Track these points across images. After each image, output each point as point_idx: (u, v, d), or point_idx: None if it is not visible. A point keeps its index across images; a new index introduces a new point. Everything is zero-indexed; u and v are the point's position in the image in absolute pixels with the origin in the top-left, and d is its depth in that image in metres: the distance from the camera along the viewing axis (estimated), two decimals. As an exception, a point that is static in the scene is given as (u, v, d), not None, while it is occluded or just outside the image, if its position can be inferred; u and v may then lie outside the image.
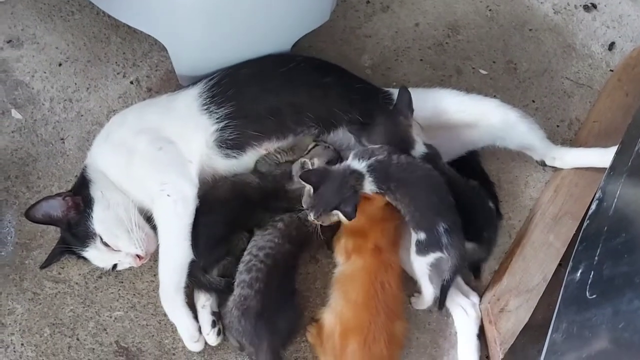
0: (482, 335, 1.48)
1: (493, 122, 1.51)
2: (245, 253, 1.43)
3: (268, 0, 1.44)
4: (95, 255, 1.39)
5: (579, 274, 1.15)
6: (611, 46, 1.86)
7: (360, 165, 1.37)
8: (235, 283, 1.39)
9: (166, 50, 1.67)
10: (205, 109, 1.46)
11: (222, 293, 1.46)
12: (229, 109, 1.44)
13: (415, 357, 1.48)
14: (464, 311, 1.48)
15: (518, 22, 1.87)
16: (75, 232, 1.39)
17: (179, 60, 1.55)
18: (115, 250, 1.38)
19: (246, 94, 1.46)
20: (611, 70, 1.83)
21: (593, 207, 1.25)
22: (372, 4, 1.85)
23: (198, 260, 1.41)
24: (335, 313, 1.37)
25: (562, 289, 1.17)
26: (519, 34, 1.86)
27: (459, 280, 1.52)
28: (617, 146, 1.44)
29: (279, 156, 1.50)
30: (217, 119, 1.45)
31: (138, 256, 1.39)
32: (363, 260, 1.38)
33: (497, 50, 1.83)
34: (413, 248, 1.39)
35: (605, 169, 1.52)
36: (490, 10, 1.88)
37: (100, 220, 1.38)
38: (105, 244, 1.37)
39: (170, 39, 1.50)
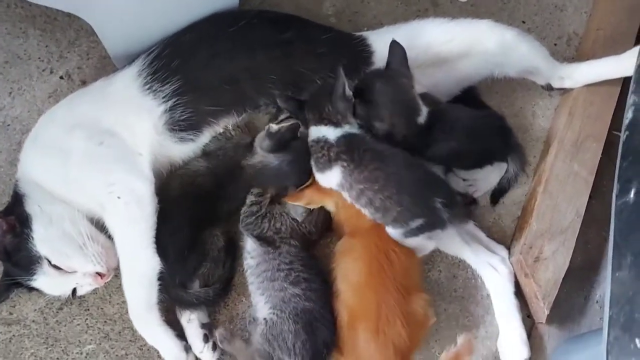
0: (518, 292, 1.28)
1: (489, 47, 1.30)
2: (269, 269, 1.21)
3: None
4: (47, 282, 1.17)
5: (632, 194, 0.94)
6: (597, -53, 1.65)
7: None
8: (281, 298, 1.18)
9: (96, 34, 1.43)
10: (148, 88, 1.23)
11: (213, 304, 1.26)
12: (176, 84, 1.23)
13: (446, 332, 1.28)
14: (494, 269, 1.28)
15: (491, -62, 1.65)
16: (16, 260, 1.17)
17: (109, 37, 1.31)
18: (70, 272, 1.16)
19: (194, 64, 1.24)
20: (602, -26, 1.62)
21: (629, 115, 1.04)
22: (324, -58, 1.61)
23: (173, 276, 1.20)
24: (339, 301, 1.15)
25: (614, 217, 0.96)
26: (494, -49, 1.64)
27: (481, 234, 1.34)
28: (635, 48, 1.23)
29: (233, 133, 1.28)
30: (163, 98, 1.23)
31: (99, 274, 1.16)
32: (358, 237, 1.18)
33: (473, -30, 1.61)
34: (396, 232, 1.18)
35: (621, 79, 1.37)
36: None
37: (42, 239, 1.16)
38: (55, 267, 1.15)
39: (93, 13, 1.25)
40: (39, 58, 1.44)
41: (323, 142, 1.17)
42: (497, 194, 1.35)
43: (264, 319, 1.18)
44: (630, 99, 1.07)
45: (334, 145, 1.17)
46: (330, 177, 1.18)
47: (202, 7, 1.29)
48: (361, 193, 1.15)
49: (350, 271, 1.17)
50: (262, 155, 1.23)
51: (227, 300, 1.28)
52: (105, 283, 1.20)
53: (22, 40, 1.45)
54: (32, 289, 1.19)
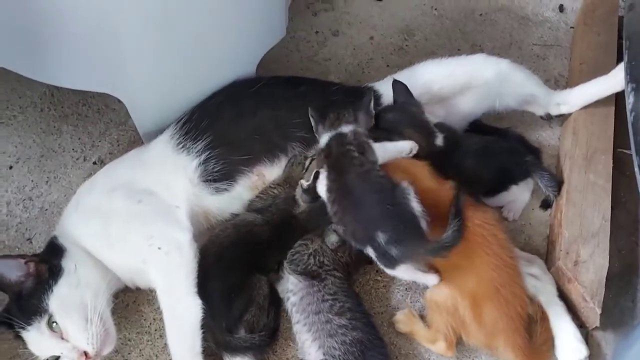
0: (565, 304, 1.27)
1: (487, 77, 1.41)
2: (313, 301, 1.22)
3: (218, 29, 1.35)
4: (36, 339, 1.15)
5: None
6: (561, 8, 1.86)
7: None
8: (327, 331, 1.18)
9: (125, 124, 1.56)
10: (181, 147, 1.32)
11: (259, 350, 1.22)
12: (207, 139, 1.31)
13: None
14: (534, 277, 1.27)
15: (466, 12, 1.86)
16: (23, 304, 1.16)
17: (139, 113, 1.41)
18: (61, 339, 1.14)
19: (222, 121, 1.34)
20: (572, 27, 1.81)
21: (630, 100, 1.14)
22: (322, 32, 1.81)
23: (219, 321, 1.19)
24: (455, 291, 1.18)
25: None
26: (472, 21, 1.84)
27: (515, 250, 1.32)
28: (620, 64, 1.35)
29: (275, 191, 1.35)
30: (196, 152, 1.31)
31: (85, 354, 1.14)
32: None
33: (457, 39, 1.80)
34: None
35: (613, 99, 1.46)
36: (435, 9, 1.87)
37: (60, 296, 1.16)
38: (51, 329, 1.14)
39: (126, 91, 1.36)
40: (73, 149, 1.54)
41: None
42: (545, 204, 1.42)
43: None
44: (629, 87, 1.18)
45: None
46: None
47: (224, 76, 1.41)
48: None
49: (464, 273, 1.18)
50: (305, 205, 1.30)
51: (275, 346, 1.25)
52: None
53: (56, 136, 1.56)
54: (18, 337, 1.16)
